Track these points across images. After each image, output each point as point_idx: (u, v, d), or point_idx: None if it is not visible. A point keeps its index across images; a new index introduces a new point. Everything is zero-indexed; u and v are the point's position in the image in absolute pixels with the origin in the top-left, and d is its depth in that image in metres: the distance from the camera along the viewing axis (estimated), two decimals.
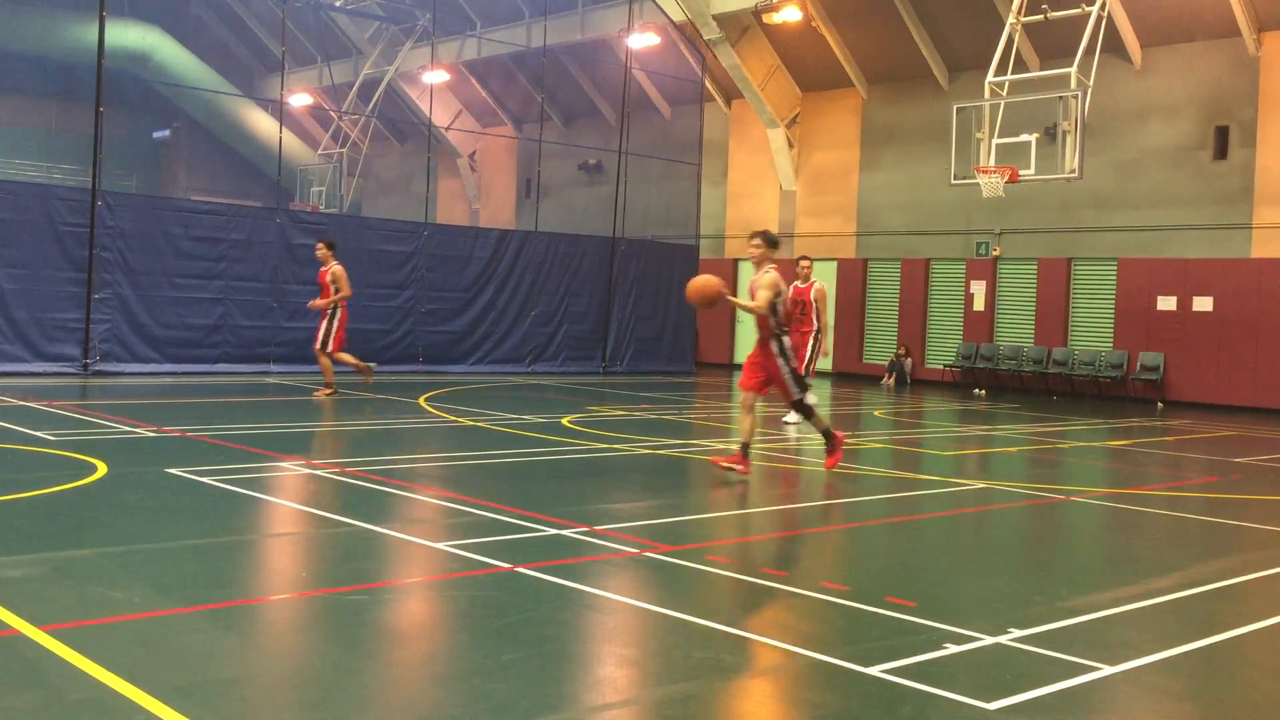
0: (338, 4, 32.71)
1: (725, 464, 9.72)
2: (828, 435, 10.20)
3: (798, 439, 12.97)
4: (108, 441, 10.42)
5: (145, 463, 9.15)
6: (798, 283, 14.94)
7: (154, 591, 5.57)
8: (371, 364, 16.31)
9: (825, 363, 18.18)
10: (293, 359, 18.88)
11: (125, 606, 5.31)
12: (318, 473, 9.19)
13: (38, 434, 10.51)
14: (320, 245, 15.52)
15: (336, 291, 15.05)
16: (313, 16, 33.30)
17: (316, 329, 15.46)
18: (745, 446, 9.69)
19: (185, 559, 6.30)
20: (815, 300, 14.95)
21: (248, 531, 7.22)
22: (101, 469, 8.75)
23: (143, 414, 12.48)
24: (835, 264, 26.04)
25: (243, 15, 37.11)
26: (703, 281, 9.73)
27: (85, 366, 16.78)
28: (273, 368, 18.65)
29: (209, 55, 36.53)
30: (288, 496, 8.46)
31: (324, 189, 34.21)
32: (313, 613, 5.48)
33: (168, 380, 16.53)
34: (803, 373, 14.05)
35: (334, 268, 15.11)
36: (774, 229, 27.26)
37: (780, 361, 9.82)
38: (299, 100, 35.30)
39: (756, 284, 9.72)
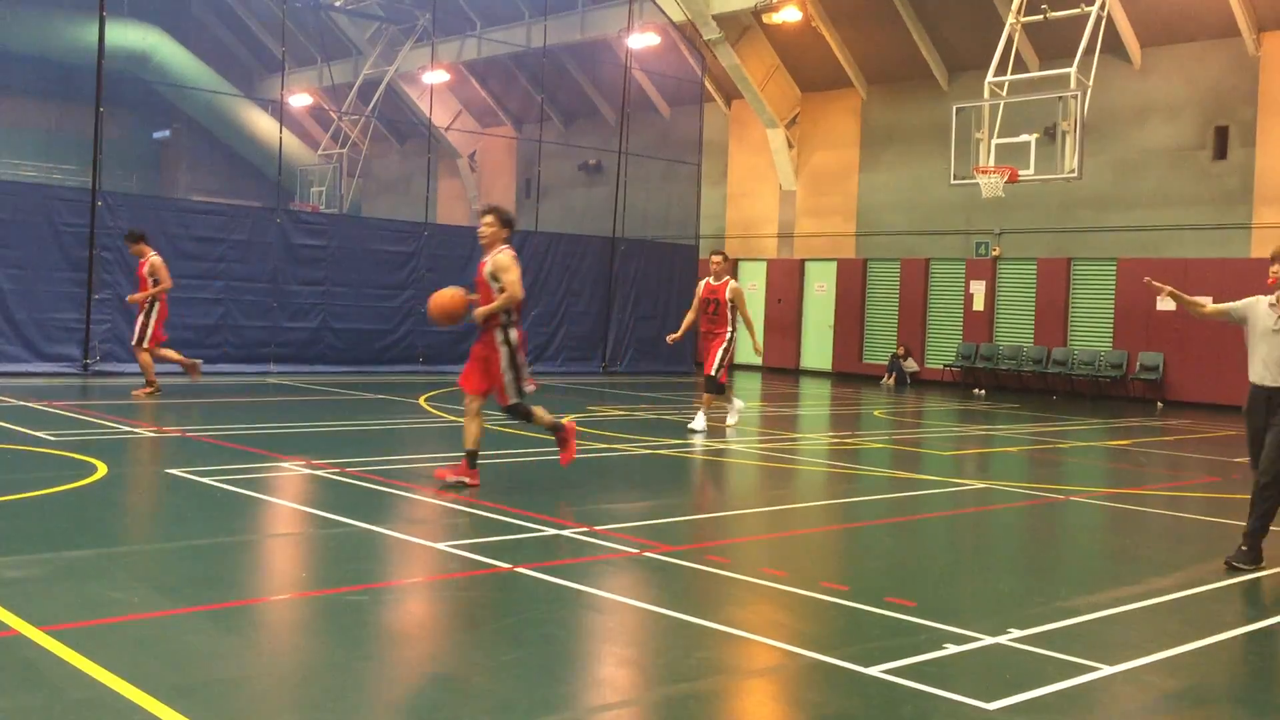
0: (338, 4, 32.71)
1: (453, 477, 8.65)
2: (556, 430, 8.99)
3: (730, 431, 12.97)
4: (108, 442, 10.42)
5: (145, 463, 9.15)
6: (709, 280, 13.64)
7: (154, 591, 5.57)
8: (198, 360, 15.16)
9: (750, 357, 16.03)
10: (293, 359, 18.88)
11: (125, 606, 5.31)
12: (318, 473, 9.19)
13: (38, 434, 10.51)
14: (129, 240, 14.50)
15: (155, 284, 14.10)
16: (313, 17, 33.30)
17: (133, 325, 14.51)
18: (471, 455, 8.64)
19: (185, 559, 6.29)
20: (731, 299, 13.43)
21: (248, 532, 7.22)
22: (102, 469, 8.75)
23: (143, 414, 12.47)
24: (835, 264, 26.05)
25: (243, 15, 37.11)
26: (445, 297, 8.61)
27: (85, 367, 16.78)
28: (273, 368, 18.64)
29: (209, 55, 36.53)
30: (288, 497, 8.46)
31: (324, 189, 34.21)
32: (313, 613, 5.49)
33: (168, 380, 16.51)
34: (715, 376, 13.39)
35: (152, 259, 14.19)
36: (774, 229, 27.30)
37: (503, 354, 8.53)
38: (299, 100, 35.29)
39: (498, 266, 8.44)
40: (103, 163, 17.28)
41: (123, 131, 30.28)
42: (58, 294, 16.66)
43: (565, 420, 9.19)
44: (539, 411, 8.82)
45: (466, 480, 8.60)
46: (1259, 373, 7.17)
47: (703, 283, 13.77)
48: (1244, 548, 6.87)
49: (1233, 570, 6.83)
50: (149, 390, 14.21)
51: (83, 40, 24.68)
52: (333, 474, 9.12)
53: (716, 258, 13.76)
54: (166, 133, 39.21)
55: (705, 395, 13.58)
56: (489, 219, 8.59)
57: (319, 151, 35.32)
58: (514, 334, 8.57)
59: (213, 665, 4.55)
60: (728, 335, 13.50)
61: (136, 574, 5.87)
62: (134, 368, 17.20)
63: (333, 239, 19.65)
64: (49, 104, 31.46)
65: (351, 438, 11.98)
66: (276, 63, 30.73)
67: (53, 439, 10.28)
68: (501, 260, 8.45)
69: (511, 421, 10.12)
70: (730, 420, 13.81)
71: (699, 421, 13.14)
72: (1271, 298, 7.21)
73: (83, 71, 18.92)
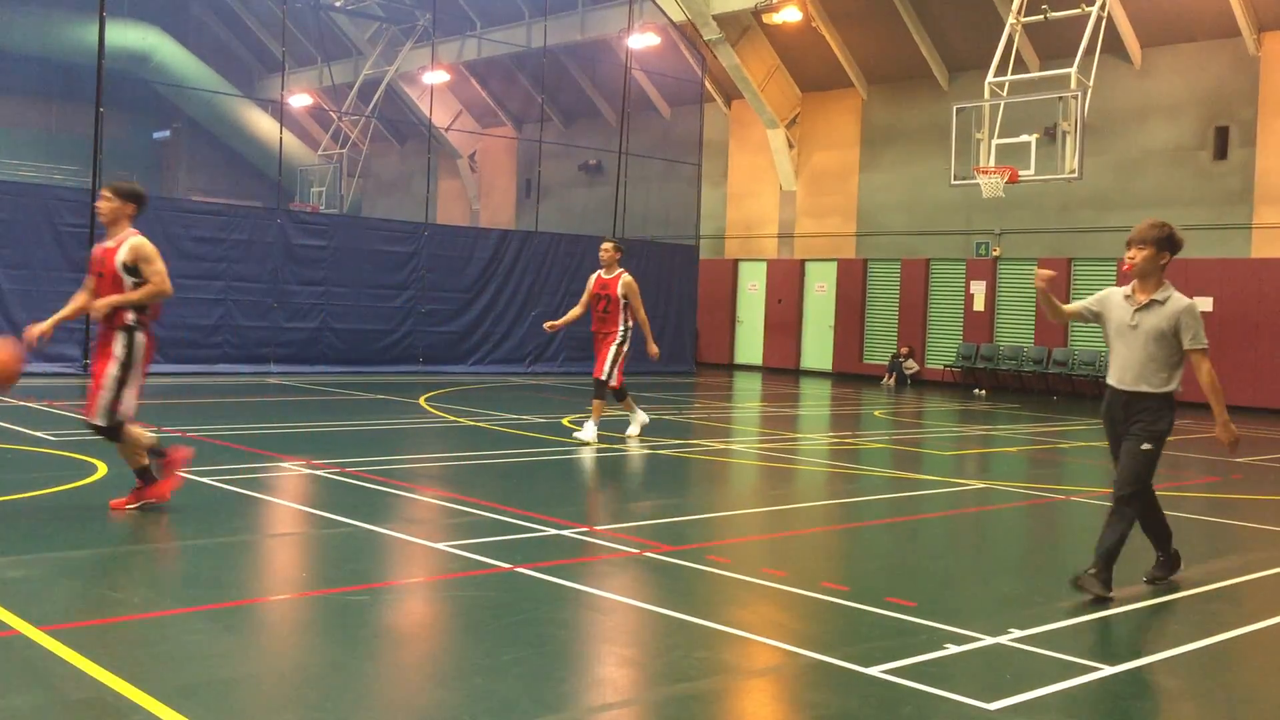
0: (338, 4, 32.71)
1: (128, 506, 7.27)
2: (155, 454, 7.46)
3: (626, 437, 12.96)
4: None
5: None
6: (601, 273, 12.03)
7: (154, 592, 5.57)
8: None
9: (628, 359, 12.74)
10: (293, 359, 18.89)
11: (125, 606, 5.31)
12: (318, 473, 9.19)
13: (38, 434, 10.52)
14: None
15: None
16: (313, 17, 33.30)
17: None
18: (145, 470, 7.32)
19: (185, 559, 6.29)
20: (624, 295, 11.80)
21: (248, 531, 7.21)
22: (102, 469, 8.75)
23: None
24: (835, 264, 26.03)
25: (243, 15, 37.11)
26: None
27: (85, 367, 16.78)
28: (273, 368, 18.64)
29: (209, 55, 36.52)
30: (288, 496, 8.46)
31: (324, 189, 34.21)
32: (313, 613, 5.48)
33: (168, 380, 16.51)
34: (605, 381, 11.49)
35: None
36: (774, 229, 27.28)
37: (114, 364, 7.17)
38: (299, 101, 35.29)
39: (134, 255, 7.09)
40: (103, 163, 17.28)
41: (123, 131, 30.26)
42: (58, 294, 16.61)
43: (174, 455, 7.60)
44: (134, 436, 7.39)
45: (154, 499, 7.35)
46: (1116, 374, 6.30)
47: (594, 276, 12.10)
48: (1092, 571, 5.98)
49: (1078, 589, 6.02)
50: None
51: (83, 40, 24.68)
52: (333, 474, 9.12)
53: (607, 245, 12.01)
54: (166, 133, 39.21)
55: (596, 402, 11.80)
56: (106, 194, 7.30)
57: (319, 152, 35.32)
58: (140, 339, 7.29)
59: (214, 665, 4.55)
60: (619, 334, 11.83)
61: (137, 574, 5.87)
62: None
63: (333, 239, 19.65)
64: (49, 104, 31.48)
65: (352, 438, 11.98)
66: (277, 63, 30.76)
67: (53, 439, 10.28)
68: (130, 247, 7.11)
69: (515, 422, 10.11)
70: (631, 431, 12.19)
71: (588, 431, 11.53)
72: (1127, 288, 6.38)
73: (83, 71, 18.93)
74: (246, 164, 37.77)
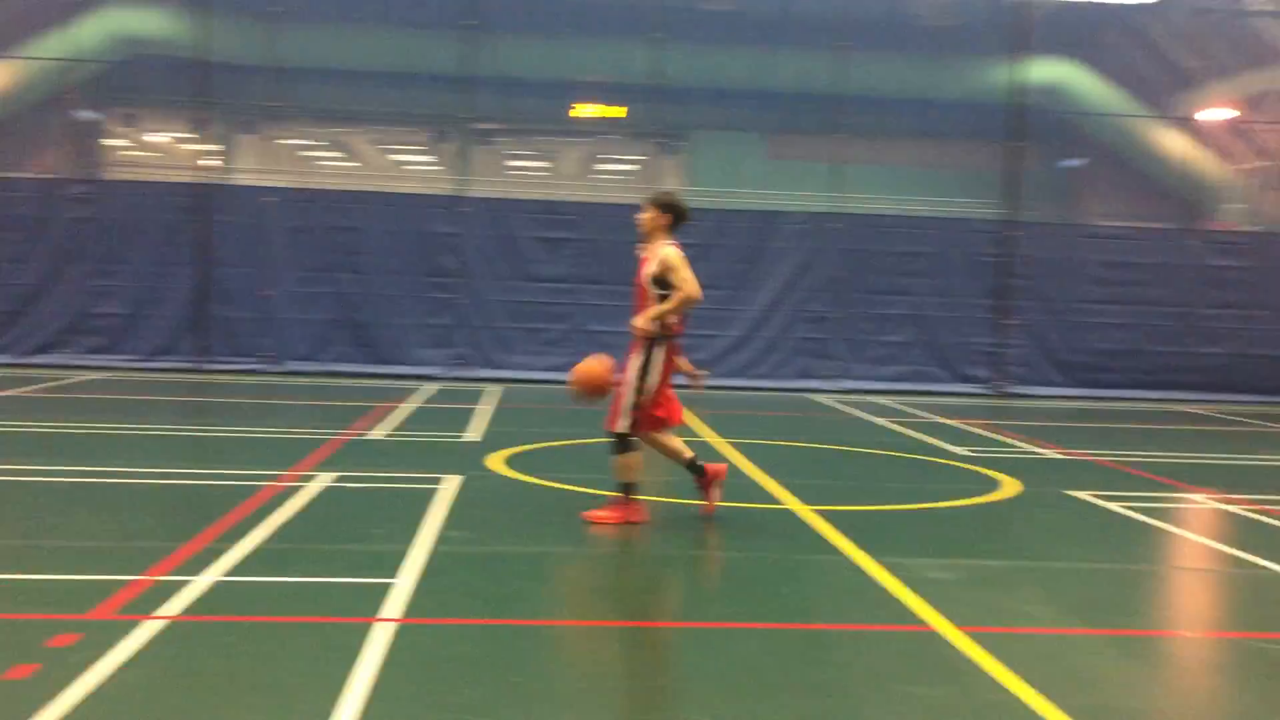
0: (1254, 8, 30.25)
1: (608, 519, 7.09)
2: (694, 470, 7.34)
3: None
4: (1013, 460, 10.90)
5: (1047, 483, 9.39)
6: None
7: (1059, 609, 5.72)
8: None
9: None
10: (1205, 386, 17.89)
11: (1033, 620, 5.54)
12: (1229, 508, 8.61)
13: (953, 449, 11.38)
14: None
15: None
16: (1230, 24, 31.22)
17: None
18: (628, 487, 7.06)
19: (1089, 581, 6.35)
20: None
21: (1152, 560, 7.05)
22: (1008, 485, 9.20)
23: (1048, 435, 12.81)
24: None
25: (1154, 34, 36.16)
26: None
27: (996, 388, 17.74)
28: (1182, 394, 17.83)
29: (1120, 78, 36.22)
30: (1195, 530, 8.07)
31: (1242, 206, 31.82)
32: (1222, 654, 5.18)
33: (1074, 404, 16.76)
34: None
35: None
36: None
37: (632, 374, 7.10)
38: (1214, 114, 33.32)
39: (662, 267, 6.98)
40: (1015, 194, 18.15)
41: (1033, 163, 31.42)
42: (972, 319, 17.86)
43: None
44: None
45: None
46: None
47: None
48: None
49: None
50: None
51: (992, 80, 26.18)
52: (1247, 510, 8.48)
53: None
54: (1075, 162, 39.74)
55: None
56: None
57: (1238, 167, 32.96)
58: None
59: (1118, 691, 4.54)
60: None
61: (1042, 589, 6.08)
62: (1042, 390, 17.76)
63: (1253, 259, 18.25)
64: (965, 144, 33.87)
65: (1273, 474, 10.99)
66: (1187, 78, 29.43)
67: (965, 454, 11.05)
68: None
69: None
70: None
71: None
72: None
73: (993, 109, 20.03)
74: (1155, 185, 36.67)
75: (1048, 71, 33.28)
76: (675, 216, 7.15)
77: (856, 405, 15.58)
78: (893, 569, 6.23)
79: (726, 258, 17.43)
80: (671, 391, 7.29)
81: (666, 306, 7.00)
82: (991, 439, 12.47)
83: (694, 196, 29.53)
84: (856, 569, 6.28)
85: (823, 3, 22.82)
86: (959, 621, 5.30)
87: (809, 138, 28.66)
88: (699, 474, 7.36)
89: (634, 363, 7.12)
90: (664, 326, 7.05)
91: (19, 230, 16.39)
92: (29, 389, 13.42)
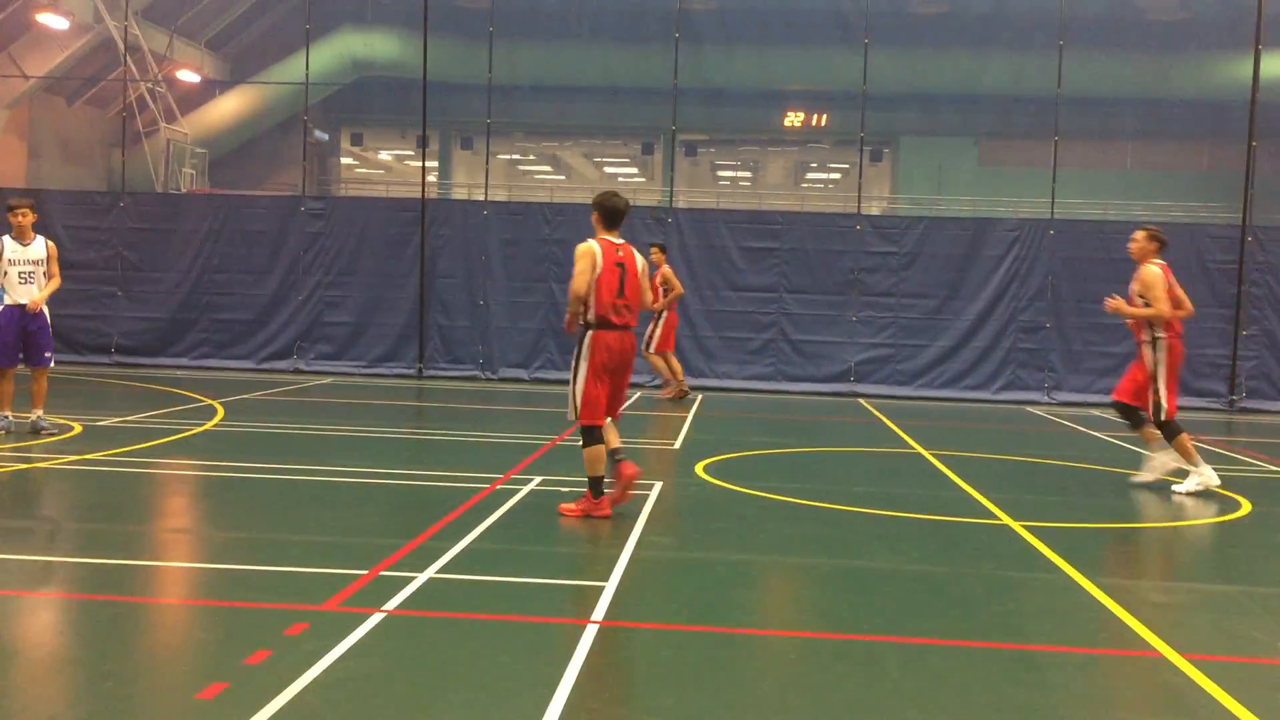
0: None
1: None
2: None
3: None
4: (1248, 479, 10.23)
5: None
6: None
7: None
8: (685, 380, 15.30)
9: None
10: None
11: (1265, 648, 5.20)
12: None
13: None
14: (656, 247, 14.89)
15: (666, 293, 14.62)
16: None
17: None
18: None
19: None
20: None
21: None
22: (1245, 506, 8.64)
23: None
24: None
25: None
26: None
27: (1231, 403, 16.69)
28: None
29: None
30: None
31: None
32: None
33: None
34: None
35: (664, 269, 14.81)
36: None
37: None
38: None
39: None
40: (1253, 197, 17.03)
41: (1272, 164, 29.42)
42: (1204, 330, 16.84)
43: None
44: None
45: None
46: None
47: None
48: None
49: None
50: (669, 392, 14.98)
51: (1229, 76, 24.66)
52: None
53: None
54: None
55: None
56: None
57: None
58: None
59: None
60: None
61: (1274, 617, 5.70)
62: (1279, 406, 16.63)
63: None
64: (1201, 144, 31.99)
65: None
66: None
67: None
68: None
69: None
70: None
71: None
72: None
73: (1229, 108, 18.86)
74: None
75: None
76: (601, 214, 7.45)
77: (1074, 418, 14.95)
78: (1111, 590, 5.96)
79: (935, 267, 17.04)
80: (607, 388, 7.34)
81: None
82: (1225, 456, 11.75)
83: (900, 204, 29.03)
84: (1073, 588, 6.04)
85: (1039, 1, 22.04)
86: (1184, 648, 5.02)
87: (1023, 142, 27.71)
88: (613, 462, 7.42)
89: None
90: (584, 322, 7.27)
91: (260, 245, 17.58)
92: (267, 392, 14.36)
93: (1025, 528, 7.52)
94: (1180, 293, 9.23)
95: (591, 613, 5.24)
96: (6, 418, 10.04)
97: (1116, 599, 5.79)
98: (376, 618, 5.04)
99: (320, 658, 4.49)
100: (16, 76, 24.30)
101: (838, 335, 17.12)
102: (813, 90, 27.19)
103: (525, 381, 17.00)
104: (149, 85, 25.03)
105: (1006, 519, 7.80)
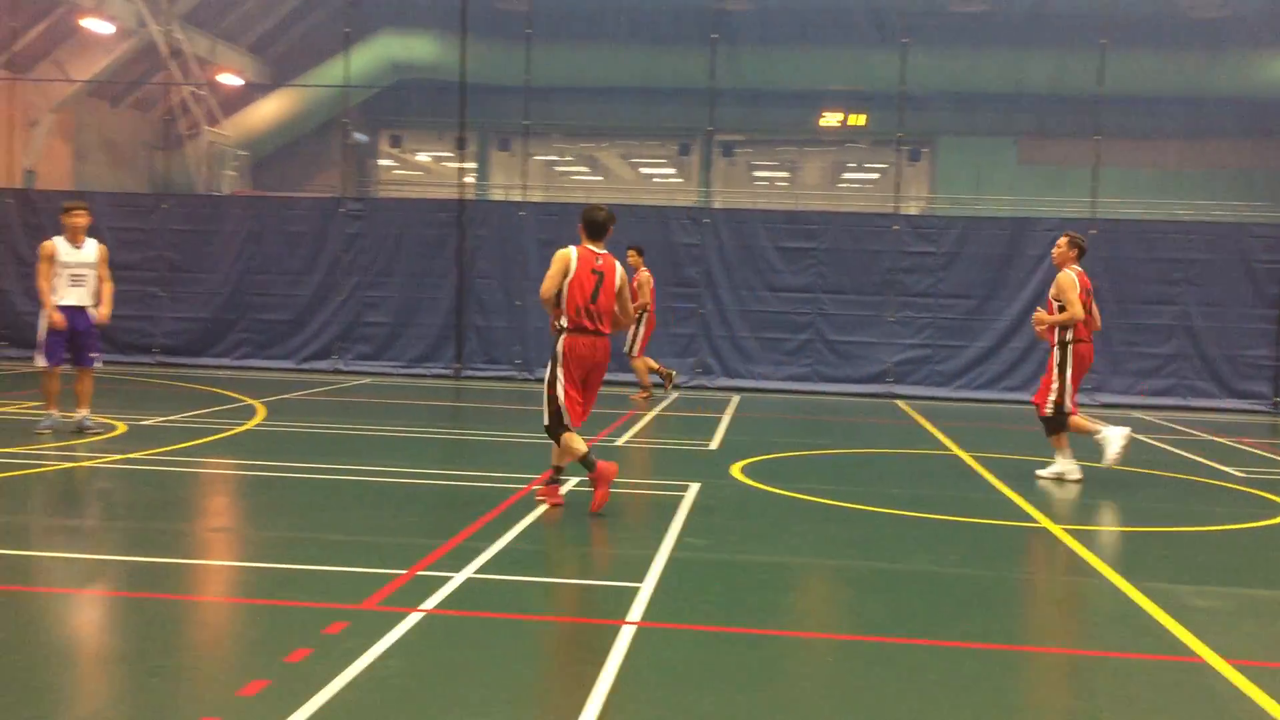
0: None
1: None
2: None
3: None
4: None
5: None
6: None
7: None
8: (672, 371, 15.42)
9: None
10: None
11: None
12: None
13: (1226, 469, 10.64)
14: (632, 250, 14.74)
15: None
16: None
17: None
18: None
19: None
20: None
21: None
22: None
23: None
24: None
25: None
26: None
27: (1275, 405, 16.45)
28: None
29: None
30: None
31: None
32: None
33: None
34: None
35: (642, 274, 14.75)
36: None
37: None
38: None
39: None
40: None
41: None
42: (1247, 330, 16.62)
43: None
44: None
45: None
46: None
47: None
48: None
49: None
50: (644, 394, 14.88)
51: (1274, 74, 24.32)
52: None
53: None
54: None
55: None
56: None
57: None
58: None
59: None
60: None
61: None
62: None
63: None
64: (1244, 143, 31.56)
65: None
66: None
67: (1240, 475, 10.31)
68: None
69: None
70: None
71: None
72: None
73: (1274, 106, 18.58)
74: None
75: None
76: (585, 225, 7.76)
77: (1116, 420, 14.78)
78: (1154, 594, 5.90)
79: (974, 266, 16.92)
80: (579, 392, 7.57)
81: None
82: (1271, 459, 11.59)
83: (940, 204, 28.83)
84: (1115, 593, 5.98)
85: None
86: (1228, 653, 4.96)
87: (1064, 140, 27.44)
88: (590, 468, 7.48)
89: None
90: (559, 326, 7.51)
91: (301, 246, 17.72)
92: (307, 392, 14.49)
93: (1065, 531, 7.45)
94: (1093, 303, 9.58)
95: (628, 614, 5.25)
96: (52, 416, 10.20)
97: (1160, 603, 5.73)
98: (415, 617, 5.08)
99: (359, 656, 4.53)
100: (62, 81, 24.64)
101: (875, 336, 17.04)
102: (850, 90, 27.03)
103: None
104: (192, 89, 25.31)
105: (1046, 522, 7.73)
